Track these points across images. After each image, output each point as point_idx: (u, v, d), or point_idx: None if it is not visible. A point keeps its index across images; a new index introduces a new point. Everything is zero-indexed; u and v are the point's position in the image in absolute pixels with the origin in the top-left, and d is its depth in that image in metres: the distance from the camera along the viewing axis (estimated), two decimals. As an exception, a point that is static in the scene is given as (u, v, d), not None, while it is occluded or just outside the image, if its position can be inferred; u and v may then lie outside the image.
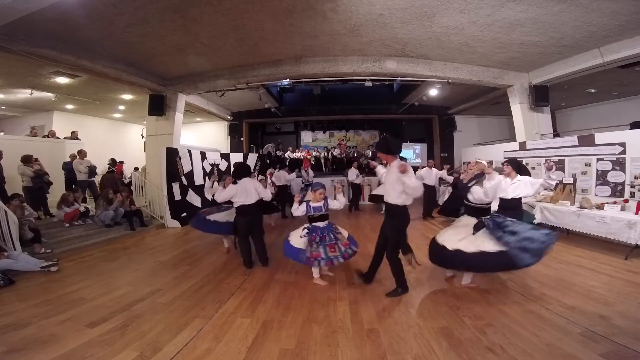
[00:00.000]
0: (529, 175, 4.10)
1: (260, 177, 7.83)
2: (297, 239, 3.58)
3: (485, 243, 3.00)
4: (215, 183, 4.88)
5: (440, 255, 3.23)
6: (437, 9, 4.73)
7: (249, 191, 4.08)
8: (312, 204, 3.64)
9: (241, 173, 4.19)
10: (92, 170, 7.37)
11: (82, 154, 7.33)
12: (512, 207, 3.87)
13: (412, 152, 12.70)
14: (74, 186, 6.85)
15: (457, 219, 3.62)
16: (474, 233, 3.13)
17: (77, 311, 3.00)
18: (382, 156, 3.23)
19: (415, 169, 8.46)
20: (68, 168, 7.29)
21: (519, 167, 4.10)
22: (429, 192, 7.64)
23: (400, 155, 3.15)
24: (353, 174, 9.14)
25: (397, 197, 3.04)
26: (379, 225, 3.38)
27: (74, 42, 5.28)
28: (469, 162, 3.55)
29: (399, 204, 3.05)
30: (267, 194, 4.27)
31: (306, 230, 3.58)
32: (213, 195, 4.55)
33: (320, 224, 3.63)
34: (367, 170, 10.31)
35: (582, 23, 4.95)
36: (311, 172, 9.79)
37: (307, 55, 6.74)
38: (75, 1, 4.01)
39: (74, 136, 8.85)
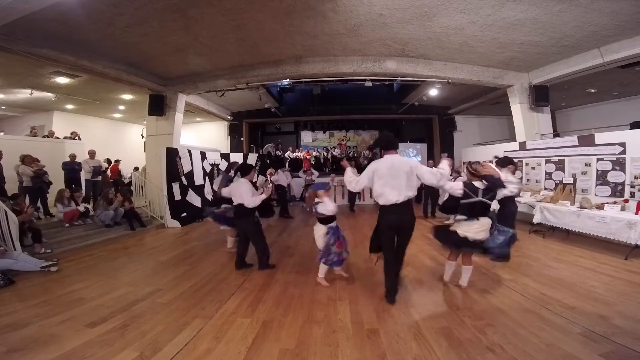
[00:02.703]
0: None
1: (262, 178, 7.84)
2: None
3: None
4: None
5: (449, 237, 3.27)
6: (437, 9, 4.72)
7: (236, 193, 3.99)
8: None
9: (240, 172, 4.18)
10: (96, 171, 7.40)
11: (91, 153, 7.53)
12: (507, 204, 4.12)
13: (412, 151, 12.69)
14: (73, 186, 6.87)
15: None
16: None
17: (77, 311, 3.00)
18: (383, 152, 3.15)
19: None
20: (68, 168, 7.31)
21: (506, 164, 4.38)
22: (431, 191, 7.69)
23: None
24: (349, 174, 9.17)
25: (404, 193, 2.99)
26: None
27: (74, 42, 5.28)
28: (479, 163, 3.54)
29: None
30: (250, 201, 3.86)
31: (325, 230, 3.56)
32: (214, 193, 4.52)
33: (333, 224, 3.61)
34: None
35: (582, 23, 4.95)
36: (315, 173, 9.75)
37: (307, 55, 6.74)
38: (75, 1, 4.01)
39: (73, 136, 8.85)
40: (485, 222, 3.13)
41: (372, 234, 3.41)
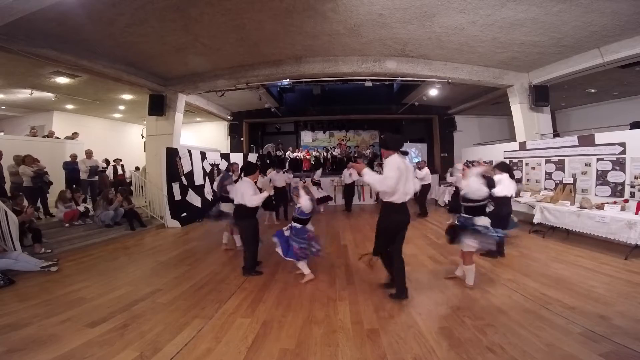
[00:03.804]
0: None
1: (266, 178, 7.80)
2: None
3: None
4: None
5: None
6: (437, 9, 4.72)
7: (237, 192, 3.94)
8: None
9: (244, 171, 4.15)
10: (92, 171, 7.38)
11: (88, 153, 7.47)
12: (505, 203, 4.21)
13: (414, 151, 12.68)
14: (74, 186, 6.87)
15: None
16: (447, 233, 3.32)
17: (77, 311, 3.00)
18: (383, 152, 3.15)
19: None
20: (69, 168, 7.32)
21: (507, 169, 4.49)
22: (422, 191, 7.69)
23: (402, 150, 3.12)
24: (347, 174, 9.18)
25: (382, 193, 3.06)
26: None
27: (74, 42, 5.28)
28: (474, 162, 3.57)
29: (385, 200, 3.05)
30: (250, 200, 3.81)
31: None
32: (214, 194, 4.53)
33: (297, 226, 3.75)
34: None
35: (582, 23, 4.95)
36: (318, 172, 9.58)
37: (307, 55, 6.74)
38: (75, 1, 4.01)
39: (74, 137, 8.87)
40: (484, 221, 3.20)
41: (381, 236, 3.19)
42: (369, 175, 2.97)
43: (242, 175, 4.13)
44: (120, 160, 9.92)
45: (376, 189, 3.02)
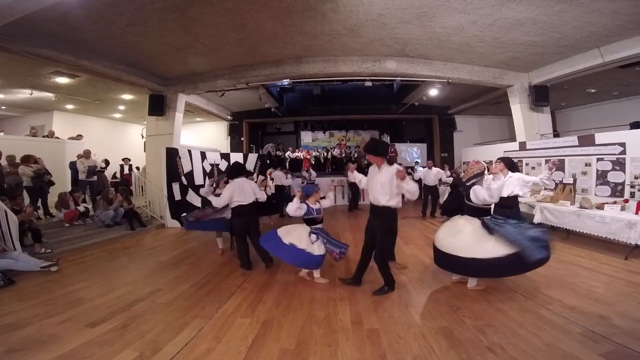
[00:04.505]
0: (519, 172, 4.22)
1: (261, 177, 7.84)
2: (308, 244, 3.49)
3: (496, 248, 2.96)
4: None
5: (449, 262, 3.24)
6: (437, 9, 4.73)
7: (245, 191, 4.04)
8: (311, 206, 3.66)
9: (236, 173, 4.16)
10: (91, 171, 7.37)
11: (86, 153, 7.44)
12: (508, 205, 3.89)
13: (416, 150, 12.67)
14: (76, 186, 6.87)
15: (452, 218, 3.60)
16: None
17: (77, 311, 3.00)
18: (371, 158, 3.22)
19: (410, 168, 8.53)
20: (74, 168, 7.33)
21: (511, 165, 4.14)
22: (431, 191, 7.75)
23: (416, 160, 3.19)
24: (355, 177, 9.20)
25: (389, 199, 3.08)
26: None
27: (74, 42, 5.28)
28: (469, 162, 3.55)
29: (391, 205, 3.09)
30: (262, 195, 4.28)
31: (314, 236, 3.56)
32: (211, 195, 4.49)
33: (320, 226, 3.69)
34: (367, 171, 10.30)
35: (582, 23, 4.95)
36: (313, 173, 9.79)
37: (307, 55, 6.74)
38: (75, 1, 4.01)
39: (78, 138, 8.90)
40: (468, 223, 3.18)
41: (392, 241, 3.33)
42: (412, 183, 3.06)
43: (234, 176, 4.11)
44: (129, 160, 10.06)
45: (415, 197, 3.09)
